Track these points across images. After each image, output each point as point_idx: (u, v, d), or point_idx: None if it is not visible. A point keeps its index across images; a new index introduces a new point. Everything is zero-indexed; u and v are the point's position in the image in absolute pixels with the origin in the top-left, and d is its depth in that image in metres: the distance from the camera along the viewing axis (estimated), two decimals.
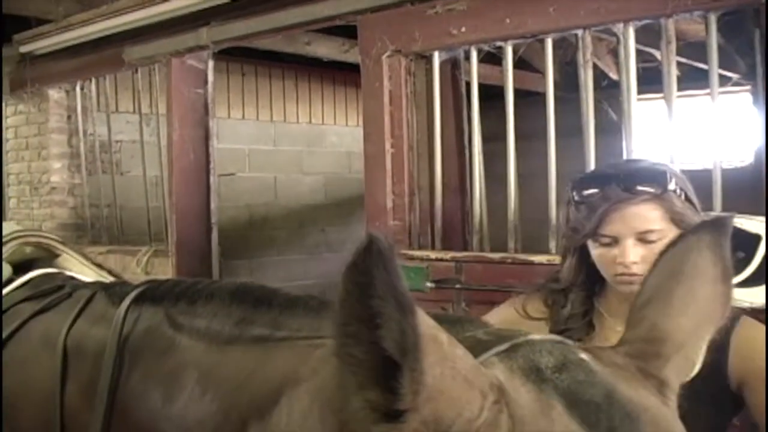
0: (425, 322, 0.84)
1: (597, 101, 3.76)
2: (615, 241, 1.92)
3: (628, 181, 1.93)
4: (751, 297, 2.33)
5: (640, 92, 3.55)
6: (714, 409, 1.85)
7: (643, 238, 1.88)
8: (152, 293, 1.60)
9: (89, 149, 6.18)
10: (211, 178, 5.24)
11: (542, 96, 3.72)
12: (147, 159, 5.70)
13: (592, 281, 2.10)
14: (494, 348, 0.99)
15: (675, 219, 1.89)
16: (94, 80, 5.93)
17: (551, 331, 2.05)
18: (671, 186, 1.91)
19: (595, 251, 1.98)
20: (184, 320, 1.47)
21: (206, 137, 5.23)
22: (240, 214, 7.42)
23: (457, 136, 4.36)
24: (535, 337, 1.04)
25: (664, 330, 1.08)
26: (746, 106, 7.13)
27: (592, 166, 3.52)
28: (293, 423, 1.17)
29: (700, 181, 1.66)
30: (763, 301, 2.56)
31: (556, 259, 3.43)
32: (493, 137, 4.06)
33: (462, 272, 3.70)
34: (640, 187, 1.90)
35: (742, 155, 6.94)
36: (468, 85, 4.05)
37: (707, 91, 3.35)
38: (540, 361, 0.96)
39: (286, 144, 7.90)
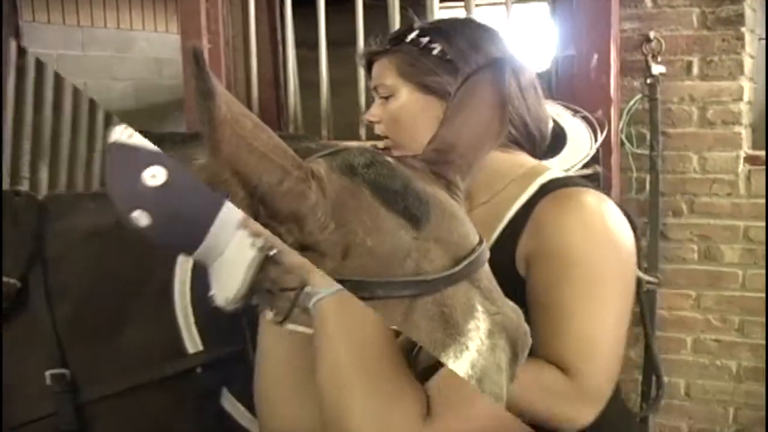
0: (232, 109, 1.06)
1: (403, 8, 3.78)
2: None
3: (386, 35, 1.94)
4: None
5: (442, 0, 3.73)
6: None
7: (380, 95, 1.84)
8: None
9: None
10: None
11: (351, 3, 3.84)
12: None
13: None
14: (320, 152, 1.25)
15: (405, 75, 1.80)
16: None
17: None
18: (410, 39, 1.83)
19: None
20: None
21: (17, 39, 5.17)
22: None
23: (271, 32, 4.51)
24: (353, 144, 1.32)
25: (449, 142, 1.32)
26: (543, 17, 7.59)
27: None
28: None
29: None
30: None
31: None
32: (305, 44, 4.22)
33: None
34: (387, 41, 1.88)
35: (539, 63, 7.41)
36: None
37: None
38: (354, 161, 1.20)
39: (95, 50, 7.75)
